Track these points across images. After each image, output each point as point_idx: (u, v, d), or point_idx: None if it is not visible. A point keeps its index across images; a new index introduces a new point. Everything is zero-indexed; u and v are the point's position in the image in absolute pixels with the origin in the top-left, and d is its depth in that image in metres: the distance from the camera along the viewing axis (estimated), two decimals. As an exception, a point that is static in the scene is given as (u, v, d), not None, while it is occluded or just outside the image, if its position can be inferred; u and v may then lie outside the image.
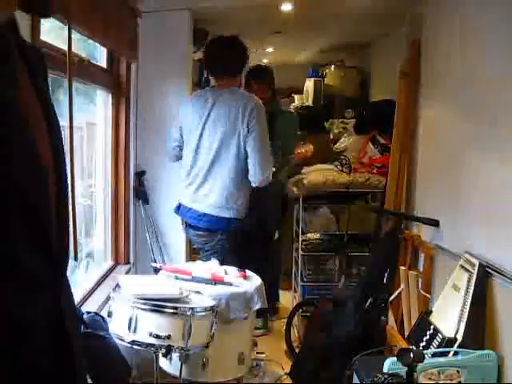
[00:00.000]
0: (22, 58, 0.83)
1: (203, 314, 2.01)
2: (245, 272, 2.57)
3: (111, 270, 3.04)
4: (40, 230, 0.79)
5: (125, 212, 3.16)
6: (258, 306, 2.42)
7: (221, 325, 2.18)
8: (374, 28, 4.23)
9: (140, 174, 3.28)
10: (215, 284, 2.40)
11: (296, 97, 5.92)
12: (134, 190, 3.25)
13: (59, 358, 0.83)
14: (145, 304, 1.94)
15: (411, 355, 1.62)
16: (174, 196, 3.29)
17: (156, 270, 2.67)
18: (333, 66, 5.43)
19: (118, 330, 1.96)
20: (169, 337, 1.89)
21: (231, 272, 2.56)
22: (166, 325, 1.93)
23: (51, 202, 0.84)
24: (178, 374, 2.11)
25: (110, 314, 2.03)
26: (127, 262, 3.19)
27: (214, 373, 2.24)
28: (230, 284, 2.43)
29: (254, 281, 2.54)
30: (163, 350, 1.90)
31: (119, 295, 2.03)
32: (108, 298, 2.51)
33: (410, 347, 2.14)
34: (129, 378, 2.26)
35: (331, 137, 4.84)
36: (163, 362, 2.19)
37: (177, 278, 2.42)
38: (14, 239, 0.74)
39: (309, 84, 5.50)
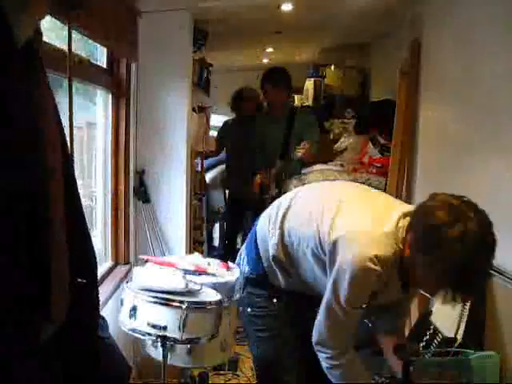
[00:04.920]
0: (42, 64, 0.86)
1: (201, 308, 2.09)
2: (227, 263, 2.68)
3: (111, 270, 3.04)
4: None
5: (125, 212, 3.16)
6: (238, 296, 2.52)
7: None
8: (374, 28, 4.22)
9: (140, 174, 3.28)
10: (199, 275, 2.47)
11: (296, 97, 5.91)
12: (134, 189, 3.25)
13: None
14: (146, 295, 2.06)
15: (407, 349, 1.62)
16: (174, 195, 3.30)
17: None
18: (333, 66, 5.43)
19: (123, 318, 2.10)
20: (165, 328, 1.98)
21: (214, 263, 2.67)
22: (163, 316, 2.02)
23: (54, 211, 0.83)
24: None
25: (122, 302, 2.15)
26: (127, 262, 3.18)
27: (198, 359, 2.31)
28: (213, 274, 2.52)
29: (236, 272, 2.65)
30: (159, 340, 2.00)
31: (128, 285, 2.18)
32: (108, 299, 2.52)
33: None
34: (129, 378, 2.28)
35: (331, 137, 4.84)
36: (151, 350, 2.26)
37: (186, 272, 2.50)
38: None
39: (309, 84, 5.50)
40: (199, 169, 4.60)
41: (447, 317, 2.22)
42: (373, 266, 1.55)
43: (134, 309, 2.05)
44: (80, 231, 0.94)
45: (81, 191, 2.72)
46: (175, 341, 2.03)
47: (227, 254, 4.23)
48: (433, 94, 2.99)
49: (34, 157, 0.76)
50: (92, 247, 0.99)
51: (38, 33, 0.85)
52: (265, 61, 5.91)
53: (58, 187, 0.84)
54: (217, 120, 5.48)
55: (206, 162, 4.82)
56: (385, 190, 3.34)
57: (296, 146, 3.70)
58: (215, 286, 2.43)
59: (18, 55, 0.76)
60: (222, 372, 3.35)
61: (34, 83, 0.79)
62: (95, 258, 1.00)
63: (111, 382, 2.05)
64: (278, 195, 3.66)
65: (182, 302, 2.06)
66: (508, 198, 2.11)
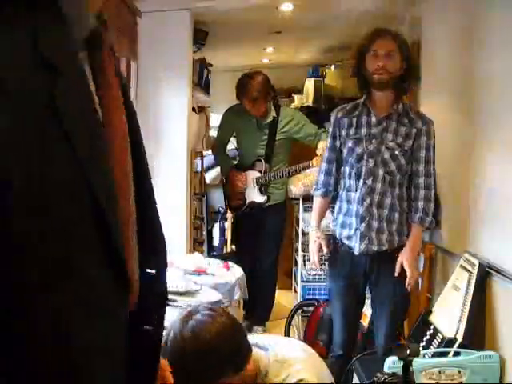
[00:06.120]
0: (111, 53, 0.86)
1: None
2: (227, 263, 2.69)
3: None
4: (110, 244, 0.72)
5: (125, 212, 3.15)
6: (237, 296, 2.52)
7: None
8: (374, 28, 4.22)
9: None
10: (199, 275, 2.49)
11: (296, 97, 5.92)
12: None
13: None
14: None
15: (407, 349, 1.62)
16: (174, 195, 3.30)
17: None
18: (333, 66, 5.43)
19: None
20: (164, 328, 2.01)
21: (214, 263, 2.66)
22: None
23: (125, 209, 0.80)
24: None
25: None
26: (127, 262, 3.18)
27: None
28: (213, 274, 2.55)
29: (236, 272, 2.65)
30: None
31: None
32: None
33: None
34: None
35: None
36: None
37: (186, 272, 2.50)
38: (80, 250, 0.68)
39: (309, 84, 5.50)
40: (199, 169, 4.60)
41: (447, 317, 2.22)
42: None
43: None
44: (148, 214, 0.91)
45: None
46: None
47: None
48: (433, 94, 2.98)
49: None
50: (161, 233, 0.94)
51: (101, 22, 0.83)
52: (265, 61, 5.90)
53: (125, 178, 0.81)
54: (217, 120, 5.48)
55: (206, 162, 4.82)
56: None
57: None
58: (215, 286, 2.43)
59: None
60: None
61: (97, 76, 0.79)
62: (165, 244, 0.94)
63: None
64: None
65: (181, 302, 2.06)
66: (507, 197, 2.11)
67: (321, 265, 2.70)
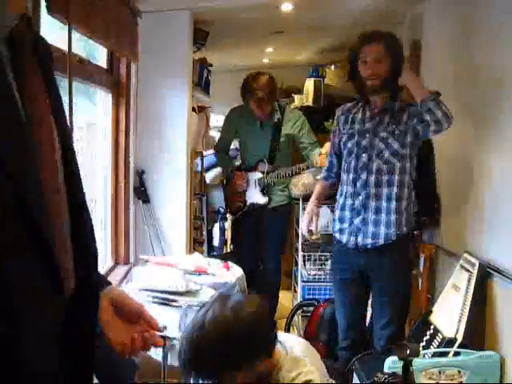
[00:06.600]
0: (33, 53, 0.85)
1: (201, 307, 2.10)
2: (227, 263, 2.69)
3: (111, 270, 3.03)
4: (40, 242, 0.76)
5: (125, 212, 3.16)
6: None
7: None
8: (374, 28, 4.22)
9: (140, 174, 3.28)
10: (199, 275, 2.48)
11: (296, 97, 5.92)
12: (134, 189, 3.25)
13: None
14: (147, 295, 2.09)
15: (407, 349, 1.62)
16: (174, 195, 3.30)
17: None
18: (333, 66, 5.42)
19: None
20: (165, 328, 2.01)
21: (214, 263, 2.70)
22: (163, 316, 2.04)
23: (58, 212, 0.82)
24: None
25: None
26: (127, 262, 3.18)
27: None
28: (213, 274, 2.55)
29: (236, 272, 2.66)
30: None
31: (128, 285, 2.23)
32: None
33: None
34: (135, 374, 2.28)
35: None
36: (151, 350, 2.26)
37: (186, 272, 2.51)
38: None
39: (309, 84, 5.50)
40: (199, 169, 4.60)
41: (447, 317, 2.22)
42: None
43: None
44: (82, 213, 0.93)
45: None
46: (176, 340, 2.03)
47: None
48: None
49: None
50: (94, 242, 0.98)
51: (27, 23, 0.83)
52: (265, 61, 5.90)
53: (58, 199, 0.83)
54: (217, 120, 5.47)
55: (206, 162, 4.82)
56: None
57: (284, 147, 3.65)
58: (215, 286, 2.44)
59: None
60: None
61: (18, 76, 0.79)
62: (96, 250, 0.98)
63: (116, 377, 2.05)
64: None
65: (181, 301, 2.06)
66: (507, 198, 2.11)
67: (320, 265, 2.72)
